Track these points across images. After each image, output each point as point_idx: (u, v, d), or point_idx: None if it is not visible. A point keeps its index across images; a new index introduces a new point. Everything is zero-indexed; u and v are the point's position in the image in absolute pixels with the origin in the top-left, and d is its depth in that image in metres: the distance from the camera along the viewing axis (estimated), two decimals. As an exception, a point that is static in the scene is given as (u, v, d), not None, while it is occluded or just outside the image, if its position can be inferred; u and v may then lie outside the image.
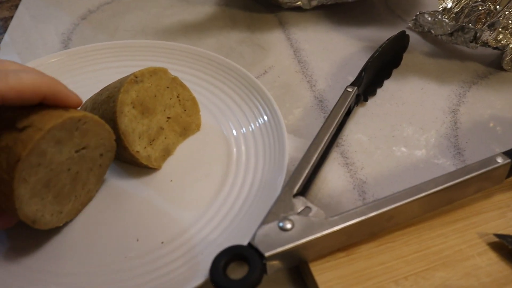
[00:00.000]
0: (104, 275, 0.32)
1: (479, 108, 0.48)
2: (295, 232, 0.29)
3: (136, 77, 0.37)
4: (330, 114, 0.40)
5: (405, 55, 0.55)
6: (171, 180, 0.38)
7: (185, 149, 0.40)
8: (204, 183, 0.37)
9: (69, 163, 0.32)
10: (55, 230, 0.34)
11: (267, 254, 0.28)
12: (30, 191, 0.29)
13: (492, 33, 0.50)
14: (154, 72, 0.38)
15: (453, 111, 0.47)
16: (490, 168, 0.33)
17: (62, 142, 0.31)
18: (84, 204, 0.36)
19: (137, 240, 0.34)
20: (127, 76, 0.37)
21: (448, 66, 0.54)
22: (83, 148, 0.33)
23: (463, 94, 0.50)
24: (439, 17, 0.53)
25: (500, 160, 0.34)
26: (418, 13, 0.57)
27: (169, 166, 0.39)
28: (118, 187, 0.37)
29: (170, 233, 0.34)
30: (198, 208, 0.36)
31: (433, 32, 0.56)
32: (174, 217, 0.35)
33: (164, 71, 0.39)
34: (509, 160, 0.34)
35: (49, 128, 0.29)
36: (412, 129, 0.45)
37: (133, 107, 0.37)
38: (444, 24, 0.53)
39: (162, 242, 0.33)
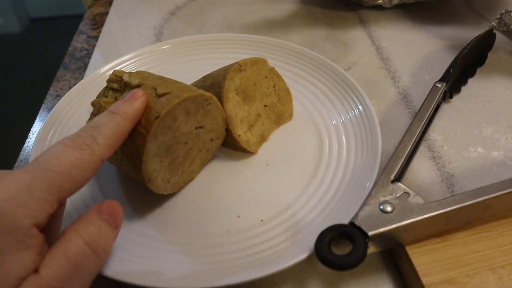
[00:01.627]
0: (207, 247, 0.35)
1: None
2: (396, 214, 0.31)
3: (240, 66, 0.39)
4: (421, 108, 0.41)
5: (489, 54, 0.55)
6: (267, 164, 0.40)
7: (278, 136, 0.43)
8: (298, 167, 0.40)
9: (188, 137, 0.36)
10: (160, 202, 0.38)
11: (370, 233, 0.30)
12: (156, 149, 0.33)
13: None
14: (256, 62, 0.41)
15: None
16: None
17: (189, 114, 0.34)
18: (186, 183, 0.39)
19: (238, 217, 0.36)
20: (232, 65, 0.40)
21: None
22: (201, 127, 0.36)
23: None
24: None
25: None
26: (503, 11, 0.57)
27: (264, 151, 0.42)
28: (218, 168, 0.40)
29: (269, 212, 0.36)
30: (294, 190, 0.38)
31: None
32: (272, 198, 0.37)
33: (264, 61, 0.41)
34: None
35: (185, 97, 0.33)
36: (500, 127, 0.45)
37: (237, 94, 0.39)
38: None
39: (262, 220, 0.36)
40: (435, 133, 0.44)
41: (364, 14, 0.63)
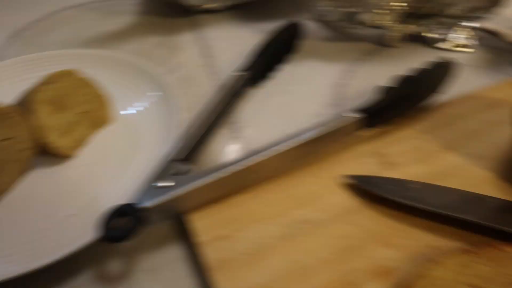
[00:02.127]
0: (18, 245, 0.38)
1: (364, 81, 0.56)
2: (171, 188, 0.36)
3: (48, 79, 0.44)
4: (214, 95, 0.48)
5: (305, 42, 0.62)
6: (86, 164, 0.45)
7: (100, 139, 0.48)
8: (112, 163, 0.45)
9: None
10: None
11: (142, 206, 0.35)
12: None
13: (368, 14, 0.59)
14: (65, 74, 0.45)
15: (343, 86, 0.55)
16: (339, 122, 0.41)
17: None
18: (1, 193, 0.42)
19: (51, 213, 0.40)
20: (41, 79, 0.44)
21: (342, 48, 0.62)
22: (6, 139, 0.40)
23: (352, 70, 0.58)
24: (331, 5, 0.61)
25: (347, 115, 0.42)
26: (315, 4, 0.64)
27: (85, 153, 0.46)
28: (38, 175, 0.44)
29: (80, 205, 0.41)
30: (105, 183, 0.43)
31: (328, 19, 0.63)
32: (86, 193, 0.42)
33: (73, 72, 0.46)
34: (356, 115, 0.42)
35: None
36: (303, 104, 0.52)
37: (48, 104, 0.44)
38: (335, 11, 0.61)
39: (73, 214, 0.40)
40: (240, 117, 0.51)
41: (197, 19, 0.69)
